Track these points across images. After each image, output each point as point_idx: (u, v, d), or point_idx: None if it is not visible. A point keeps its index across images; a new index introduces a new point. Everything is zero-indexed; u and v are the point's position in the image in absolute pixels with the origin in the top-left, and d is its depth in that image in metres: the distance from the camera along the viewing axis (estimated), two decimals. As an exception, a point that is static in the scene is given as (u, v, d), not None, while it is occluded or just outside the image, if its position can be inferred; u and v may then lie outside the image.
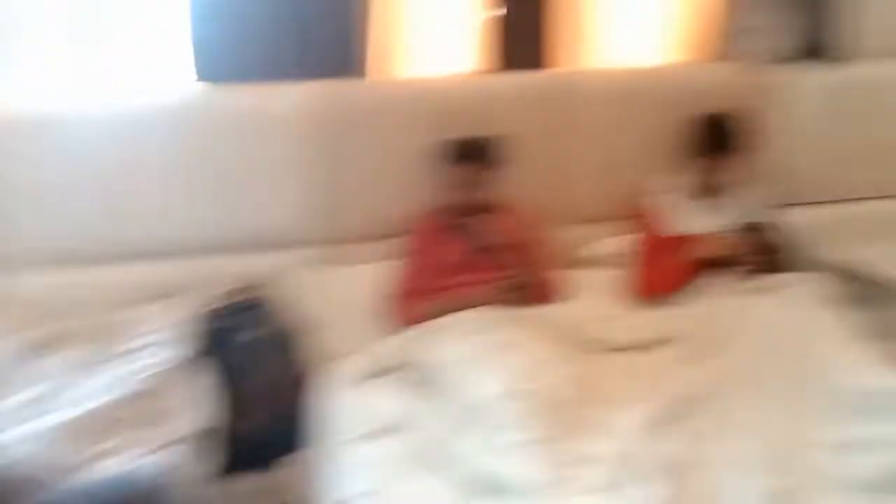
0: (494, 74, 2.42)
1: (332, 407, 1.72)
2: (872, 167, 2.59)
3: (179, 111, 2.15)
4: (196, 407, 1.62)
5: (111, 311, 1.96)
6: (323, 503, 1.54)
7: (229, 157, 2.15)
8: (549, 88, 2.35)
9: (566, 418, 1.57)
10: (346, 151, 2.21)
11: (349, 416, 1.68)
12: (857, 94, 2.54)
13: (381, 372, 1.83)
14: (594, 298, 2.14)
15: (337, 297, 2.06)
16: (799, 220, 2.36)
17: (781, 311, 1.92)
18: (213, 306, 1.96)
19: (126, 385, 1.65)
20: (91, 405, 1.58)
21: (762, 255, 2.14)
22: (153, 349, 1.78)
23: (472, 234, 2.13)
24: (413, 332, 1.93)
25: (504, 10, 2.40)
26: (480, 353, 1.72)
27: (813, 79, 2.52)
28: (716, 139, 2.23)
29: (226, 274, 2.08)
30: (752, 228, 2.22)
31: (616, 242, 2.31)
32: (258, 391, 1.76)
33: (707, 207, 2.28)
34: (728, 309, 1.99)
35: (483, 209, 2.15)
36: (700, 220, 2.24)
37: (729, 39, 2.52)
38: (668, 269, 2.15)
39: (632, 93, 2.39)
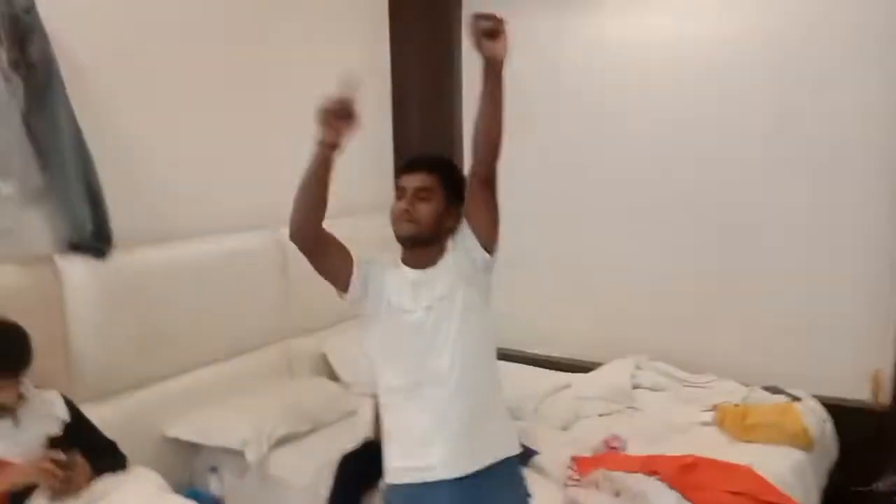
0: None
1: None
2: (161, 348, 2.62)
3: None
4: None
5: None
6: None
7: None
8: None
9: None
10: None
11: None
12: (125, 283, 2.51)
13: None
14: None
15: None
16: (110, 413, 2.35)
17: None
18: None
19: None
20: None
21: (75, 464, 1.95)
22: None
23: None
24: None
25: None
26: None
27: (84, 273, 2.41)
28: None
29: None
30: (57, 441, 1.99)
31: None
32: None
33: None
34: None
35: None
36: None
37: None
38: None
39: None
